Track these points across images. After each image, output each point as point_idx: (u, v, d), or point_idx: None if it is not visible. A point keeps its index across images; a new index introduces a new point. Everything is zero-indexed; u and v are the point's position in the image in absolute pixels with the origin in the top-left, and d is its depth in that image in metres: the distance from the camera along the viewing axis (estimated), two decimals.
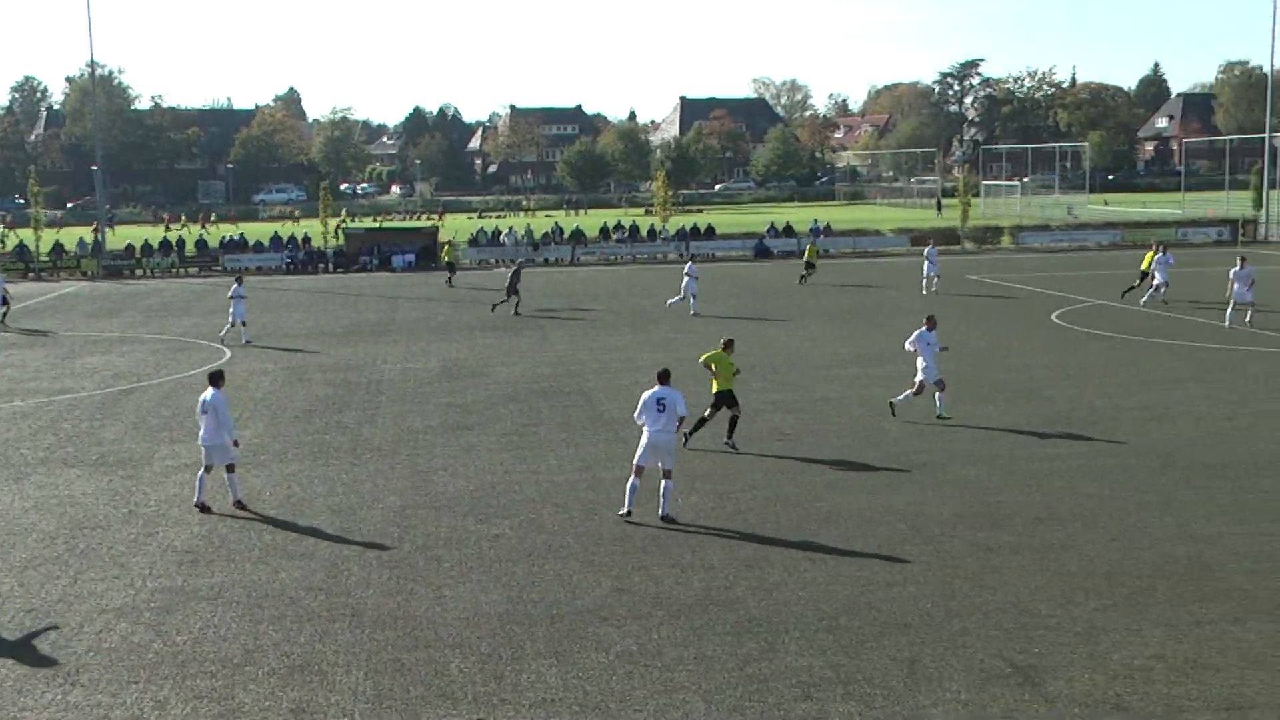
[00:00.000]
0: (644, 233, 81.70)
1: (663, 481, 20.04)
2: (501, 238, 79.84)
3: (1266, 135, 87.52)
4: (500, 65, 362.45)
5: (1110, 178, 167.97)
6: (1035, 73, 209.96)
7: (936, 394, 26.94)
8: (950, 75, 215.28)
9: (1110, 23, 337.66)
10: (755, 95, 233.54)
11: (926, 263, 53.67)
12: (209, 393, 21.11)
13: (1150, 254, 48.57)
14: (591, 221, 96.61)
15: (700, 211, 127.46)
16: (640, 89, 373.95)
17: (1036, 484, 21.61)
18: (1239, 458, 23.15)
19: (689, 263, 50.07)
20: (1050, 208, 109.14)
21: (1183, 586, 16.36)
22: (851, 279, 60.21)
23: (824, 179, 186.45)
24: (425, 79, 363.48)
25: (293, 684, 14.00)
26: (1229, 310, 40.23)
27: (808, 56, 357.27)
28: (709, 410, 25.03)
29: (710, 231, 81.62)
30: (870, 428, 26.49)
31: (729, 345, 25.17)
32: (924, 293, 52.55)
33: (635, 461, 20.26)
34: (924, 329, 27.36)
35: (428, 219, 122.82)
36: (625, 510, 20.09)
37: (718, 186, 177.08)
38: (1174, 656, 14.13)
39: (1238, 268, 40.45)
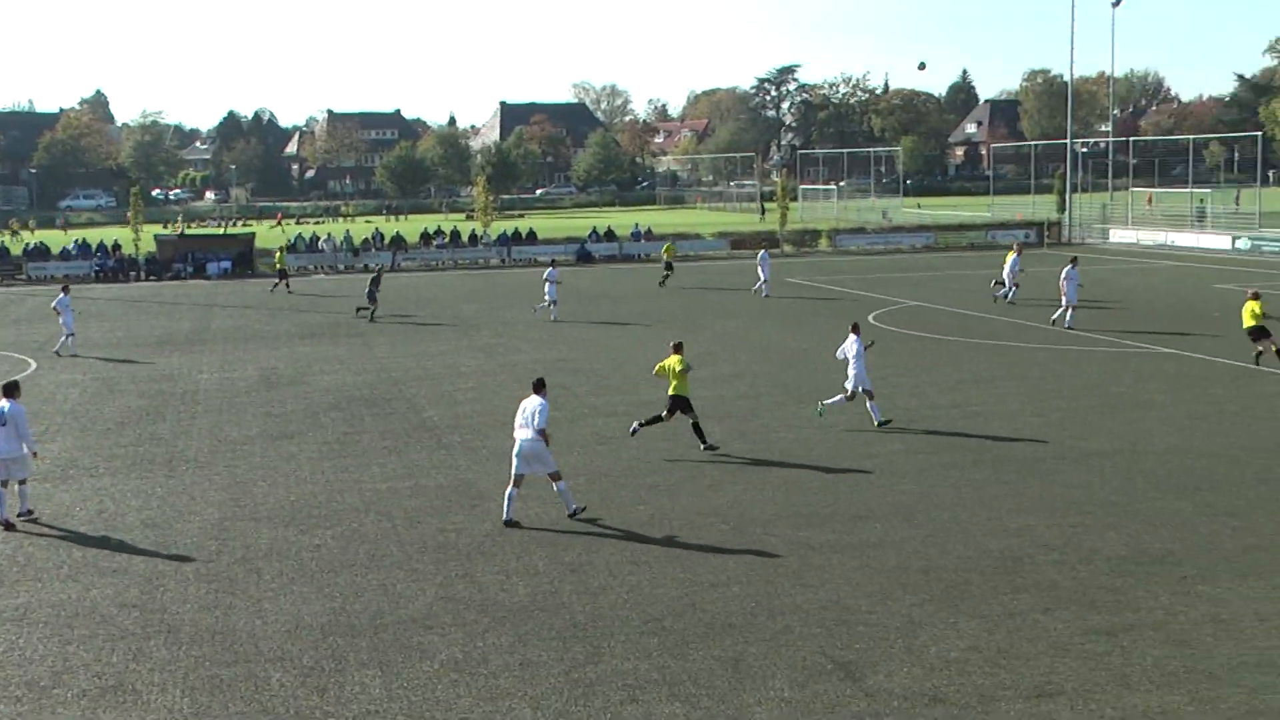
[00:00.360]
0: (465, 238, 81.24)
1: (554, 485, 20.08)
2: (320, 244, 78.64)
3: (1068, 141, 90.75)
4: (317, 69, 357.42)
5: (923, 180, 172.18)
6: (850, 79, 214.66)
7: (868, 402, 26.72)
8: (767, 81, 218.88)
9: (921, 31, 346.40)
10: (576, 100, 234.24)
11: (760, 267, 54.37)
12: (5, 404, 20.39)
13: (1010, 254, 50.02)
14: (412, 227, 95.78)
15: (522, 216, 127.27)
16: (460, 93, 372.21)
17: (855, 482, 22.04)
18: (1047, 453, 23.91)
19: (550, 268, 49.58)
20: (866, 211, 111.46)
21: (995, 579, 16.83)
22: (674, 282, 60.68)
23: (645, 183, 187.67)
24: (240, 83, 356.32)
25: (105, 705, 13.58)
26: (1067, 312, 40.88)
27: (627, 62, 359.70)
28: (665, 411, 24.91)
29: (532, 236, 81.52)
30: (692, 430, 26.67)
31: (678, 348, 25.03)
32: (761, 295, 53.20)
33: (512, 471, 20.11)
34: (852, 336, 27.00)
35: (244, 224, 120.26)
36: (505, 518, 19.94)
37: (539, 191, 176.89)
38: (988, 647, 14.52)
39: (1069, 267, 41.56)
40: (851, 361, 26.66)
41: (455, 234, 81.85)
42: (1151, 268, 63.33)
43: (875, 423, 26.31)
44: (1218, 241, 73.68)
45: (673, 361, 24.67)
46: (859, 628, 15.21)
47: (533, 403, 20.21)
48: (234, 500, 21.86)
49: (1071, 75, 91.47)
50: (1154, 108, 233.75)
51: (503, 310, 50.73)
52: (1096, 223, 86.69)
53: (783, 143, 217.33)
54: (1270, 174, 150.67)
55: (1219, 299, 47.60)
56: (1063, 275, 41.35)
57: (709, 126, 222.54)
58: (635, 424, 25.35)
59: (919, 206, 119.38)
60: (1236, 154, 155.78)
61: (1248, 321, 33.06)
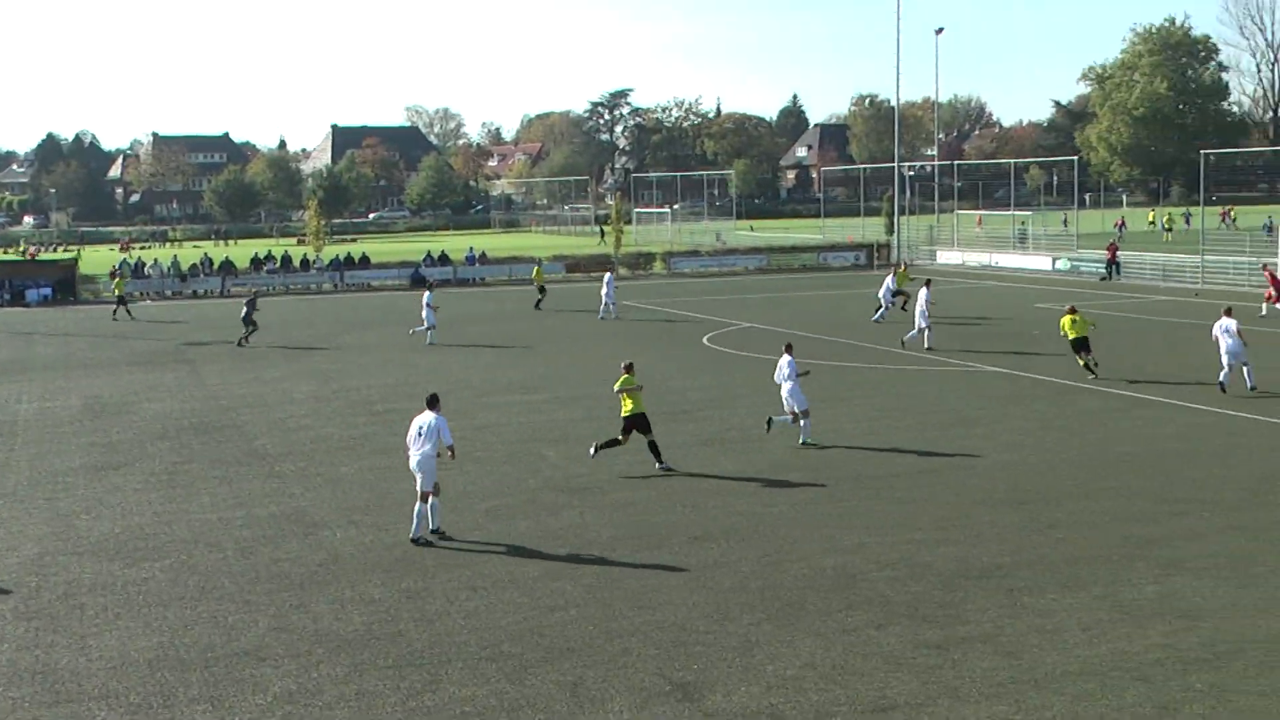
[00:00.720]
0: (297, 263, 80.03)
1: (426, 501, 20.22)
2: (146, 269, 76.78)
3: (896, 164, 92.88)
4: (142, 90, 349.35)
5: (757, 202, 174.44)
6: (682, 103, 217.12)
7: (801, 421, 26.93)
8: (600, 105, 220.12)
9: (751, 56, 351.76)
10: (409, 123, 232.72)
11: (605, 289, 54.43)
12: None
13: (901, 272, 52.06)
14: (242, 252, 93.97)
15: (355, 241, 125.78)
16: (290, 116, 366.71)
17: (692, 504, 22.19)
18: (881, 470, 24.36)
19: (428, 292, 49.00)
20: (700, 234, 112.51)
21: (831, 597, 17.08)
22: (510, 305, 60.52)
23: (479, 207, 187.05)
24: (59, 104, 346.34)
25: None
26: (926, 333, 41.28)
27: (460, 85, 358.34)
28: (621, 434, 24.85)
29: (365, 261, 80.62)
30: (530, 454, 26.65)
31: (629, 369, 25.08)
32: (611, 318, 53.30)
33: (417, 488, 20.35)
34: (786, 357, 27.27)
35: (67, 250, 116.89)
36: (413, 535, 20.14)
37: (372, 215, 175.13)
38: (824, 664, 14.73)
39: (925, 292, 42.31)
40: (785, 383, 27.03)
41: (286, 259, 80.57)
42: (978, 288, 65.03)
43: (800, 441, 26.75)
44: (1039, 262, 75.91)
45: (630, 384, 24.80)
46: (697, 648, 15.30)
47: (426, 419, 20.36)
48: (55, 534, 21.18)
49: (898, 100, 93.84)
50: (977, 132, 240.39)
51: (337, 336, 50.08)
52: (924, 244, 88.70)
53: (617, 166, 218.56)
54: (1087, 197, 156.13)
55: (1040, 318, 49.02)
56: (920, 297, 42.07)
57: (543, 150, 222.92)
58: (593, 446, 25.40)
59: (752, 229, 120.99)
60: (1055, 177, 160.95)
61: (1072, 333, 34.47)
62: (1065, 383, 33.96)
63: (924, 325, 41.28)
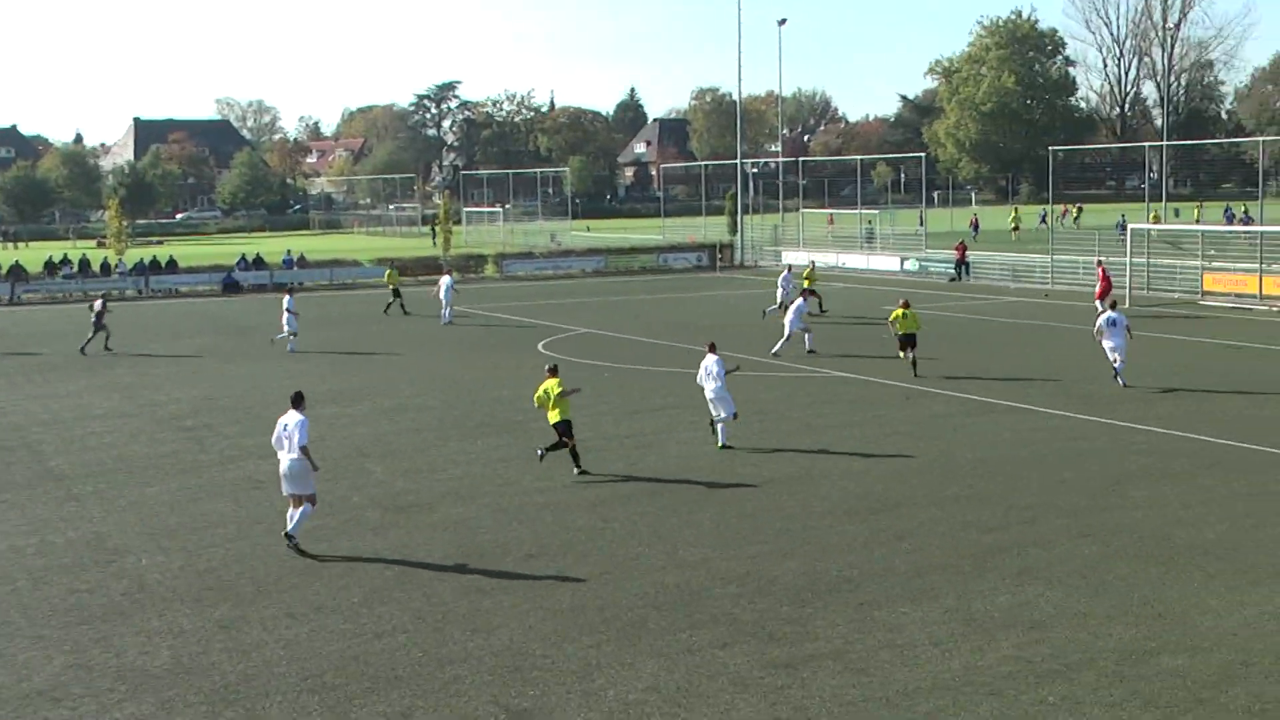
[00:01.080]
0: (96, 267, 77.99)
1: (299, 508, 20.24)
2: None
3: (738, 161, 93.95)
4: None
5: (595, 202, 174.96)
6: (514, 96, 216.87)
7: (720, 426, 27.37)
8: (427, 98, 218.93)
9: (587, 47, 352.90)
10: (219, 117, 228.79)
11: (443, 293, 53.97)
12: None
13: (808, 272, 54.16)
14: (34, 255, 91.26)
15: (161, 243, 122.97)
16: (87, 108, 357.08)
17: (527, 519, 22.14)
18: (724, 481, 24.57)
19: (287, 296, 47.86)
20: (534, 234, 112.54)
21: (673, 615, 17.17)
22: (334, 311, 59.79)
23: (297, 206, 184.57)
24: None
25: None
26: (804, 340, 41.64)
27: (275, 76, 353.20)
28: (561, 438, 25.18)
29: (172, 265, 78.89)
30: (353, 469, 26.35)
31: (554, 371, 25.33)
32: (443, 322, 52.97)
33: (284, 493, 20.54)
34: (712, 357, 27.61)
35: None
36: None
37: (180, 215, 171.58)
38: (667, 687, 14.79)
39: (800, 301, 42.61)
40: (711, 382, 27.34)
41: (85, 263, 78.47)
42: (825, 290, 65.99)
43: (718, 445, 27.28)
44: (887, 263, 77.42)
45: (551, 385, 24.93)
46: (534, 673, 15.26)
47: (292, 419, 20.24)
48: None
49: (740, 94, 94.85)
50: (822, 128, 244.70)
51: (143, 344, 48.91)
52: (769, 244, 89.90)
53: (445, 163, 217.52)
54: (935, 195, 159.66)
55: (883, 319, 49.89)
56: (794, 306, 42.40)
57: (365, 145, 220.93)
58: (540, 450, 25.73)
59: (589, 229, 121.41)
60: (903, 174, 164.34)
61: (902, 328, 36.56)
62: (911, 387, 34.67)
63: (792, 332, 41.48)
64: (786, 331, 41.45)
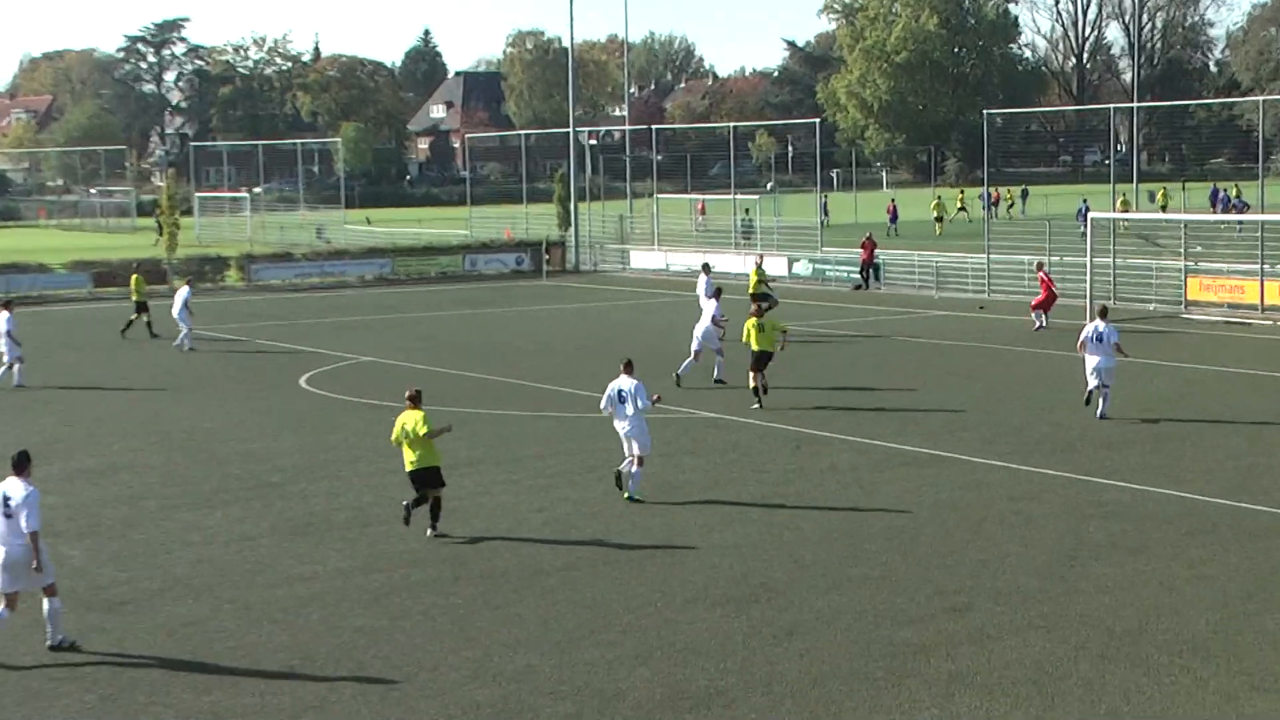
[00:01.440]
0: None
1: (46, 602, 20.34)
2: None
3: (571, 130, 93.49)
4: None
5: (377, 186, 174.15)
6: (263, 40, 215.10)
7: (635, 468, 28.17)
8: (142, 41, 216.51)
9: None
10: None
11: (177, 308, 53.05)
12: None
13: (757, 268, 56.54)
14: None
15: None
16: None
17: (285, 619, 21.88)
18: (555, 560, 24.45)
19: (6, 314, 46.48)
20: (294, 230, 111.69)
21: None
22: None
23: None
24: None
25: None
26: (711, 363, 42.25)
27: None
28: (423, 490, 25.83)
29: None
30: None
31: (415, 400, 25.89)
32: (184, 349, 52.08)
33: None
34: (624, 377, 28.21)
35: None
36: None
37: None
38: None
39: (716, 310, 42.71)
40: (629, 409, 28.07)
41: None
42: (684, 302, 66.02)
43: (627, 495, 28.33)
44: (771, 266, 77.85)
45: (413, 421, 25.42)
46: None
47: (15, 491, 20.05)
48: None
49: (572, 39, 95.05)
50: (683, 85, 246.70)
51: None
52: (613, 242, 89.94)
53: (169, 131, 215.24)
54: (835, 175, 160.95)
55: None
56: (705, 314, 42.66)
57: (54, 106, 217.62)
58: (405, 504, 26.17)
59: (369, 222, 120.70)
60: (791, 147, 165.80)
61: (756, 344, 37.49)
62: (804, 431, 34.93)
63: (701, 349, 42.10)
64: (695, 347, 42.23)
